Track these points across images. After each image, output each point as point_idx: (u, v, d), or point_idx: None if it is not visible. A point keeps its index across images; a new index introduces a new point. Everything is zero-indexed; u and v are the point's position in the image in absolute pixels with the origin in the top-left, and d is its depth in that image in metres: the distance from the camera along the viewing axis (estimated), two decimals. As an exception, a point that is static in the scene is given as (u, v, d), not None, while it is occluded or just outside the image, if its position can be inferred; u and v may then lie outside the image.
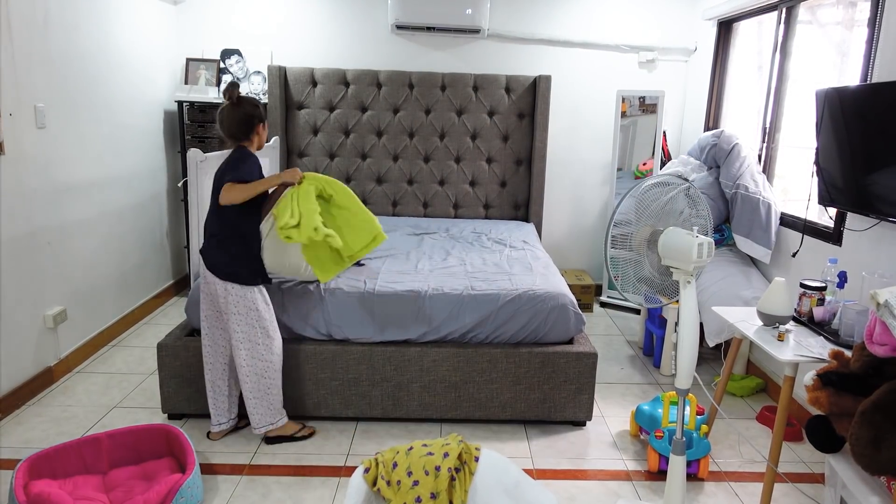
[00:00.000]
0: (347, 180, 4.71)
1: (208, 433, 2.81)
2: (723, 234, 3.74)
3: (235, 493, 2.45)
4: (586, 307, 4.65)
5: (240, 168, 2.49)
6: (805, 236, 3.15)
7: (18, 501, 2.08)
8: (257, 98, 2.61)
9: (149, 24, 4.26)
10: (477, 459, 1.97)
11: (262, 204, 2.64)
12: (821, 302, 2.50)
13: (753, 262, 3.61)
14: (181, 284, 4.80)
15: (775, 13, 3.61)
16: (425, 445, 2.02)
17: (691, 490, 2.56)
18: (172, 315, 4.31)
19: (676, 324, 2.19)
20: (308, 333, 2.89)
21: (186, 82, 4.57)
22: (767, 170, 3.64)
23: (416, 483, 1.89)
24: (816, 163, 2.79)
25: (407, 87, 4.61)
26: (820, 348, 2.29)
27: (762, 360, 3.53)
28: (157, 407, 3.05)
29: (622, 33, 4.77)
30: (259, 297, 2.61)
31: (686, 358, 2.16)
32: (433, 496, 1.87)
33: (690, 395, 2.48)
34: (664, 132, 4.77)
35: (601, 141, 4.93)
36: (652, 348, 3.87)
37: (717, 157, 3.70)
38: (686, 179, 2.36)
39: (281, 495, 2.44)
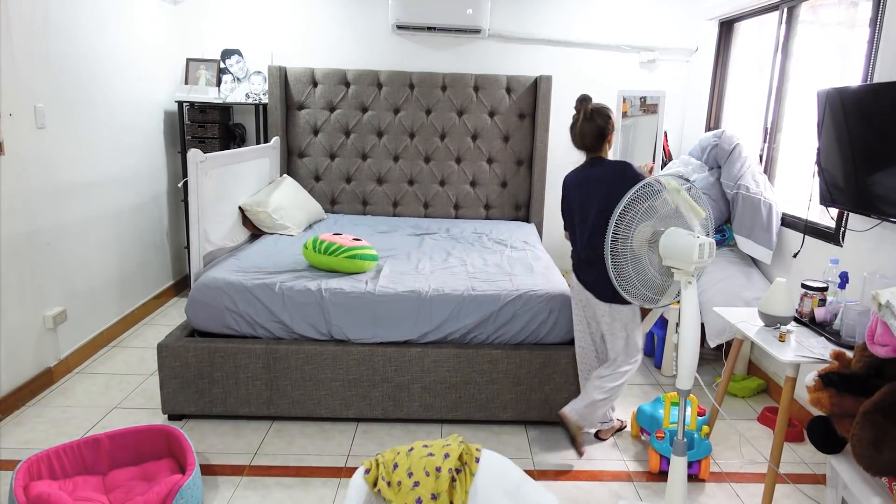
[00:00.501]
0: (348, 180, 4.71)
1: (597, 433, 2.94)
2: (724, 235, 3.73)
3: (235, 493, 2.45)
4: (587, 307, 4.64)
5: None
6: (806, 237, 3.15)
7: (18, 502, 2.08)
8: (606, 107, 2.62)
9: (149, 24, 4.26)
10: (478, 460, 1.97)
11: None
12: (822, 302, 2.49)
13: (754, 262, 3.61)
14: (181, 285, 4.80)
15: (776, 13, 3.60)
16: (426, 446, 2.01)
17: (692, 491, 2.56)
18: (172, 315, 4.31)
19: (677, 324, 2.19)
20: (309, 333, 2.88)
21: (186, 82, 4.57)
22: (769, 170, 3.64)
23: (416, 484, 1.89)
24: (818, 163, 2.78)
25: (407, 88, 4.60)
26: (821, 349, 2.28)
27: (763, 361, 3.52)
28: (158, 408, 3.05)
29: (623, 33, 4.76)
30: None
31: (687, 358, 2.16)
32: (434, 497, 1.87)
33: (691, 395, 2.47)
34: (665, 132, 4.77)
35: (602, 141, 4.92)
36: (653, 349, 3.86)
37: (719, 158, 3.69)
38: (687, 180, 2.36)
39: (281, 496, 2.44)
